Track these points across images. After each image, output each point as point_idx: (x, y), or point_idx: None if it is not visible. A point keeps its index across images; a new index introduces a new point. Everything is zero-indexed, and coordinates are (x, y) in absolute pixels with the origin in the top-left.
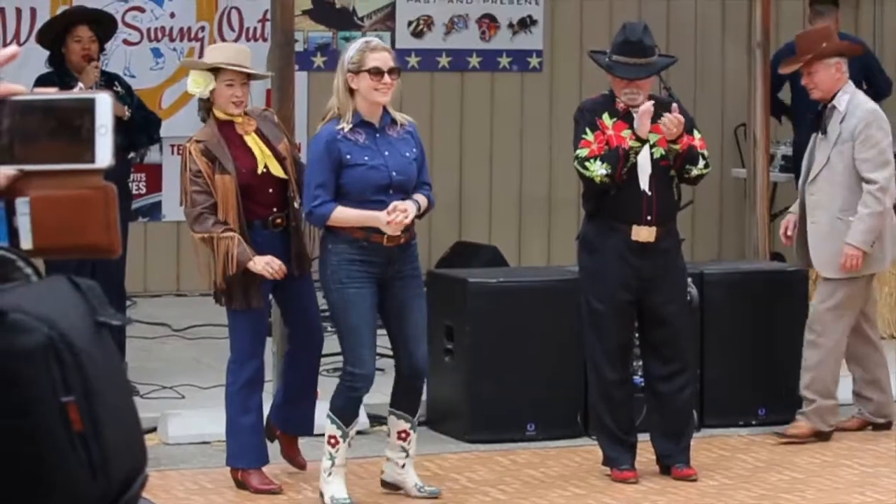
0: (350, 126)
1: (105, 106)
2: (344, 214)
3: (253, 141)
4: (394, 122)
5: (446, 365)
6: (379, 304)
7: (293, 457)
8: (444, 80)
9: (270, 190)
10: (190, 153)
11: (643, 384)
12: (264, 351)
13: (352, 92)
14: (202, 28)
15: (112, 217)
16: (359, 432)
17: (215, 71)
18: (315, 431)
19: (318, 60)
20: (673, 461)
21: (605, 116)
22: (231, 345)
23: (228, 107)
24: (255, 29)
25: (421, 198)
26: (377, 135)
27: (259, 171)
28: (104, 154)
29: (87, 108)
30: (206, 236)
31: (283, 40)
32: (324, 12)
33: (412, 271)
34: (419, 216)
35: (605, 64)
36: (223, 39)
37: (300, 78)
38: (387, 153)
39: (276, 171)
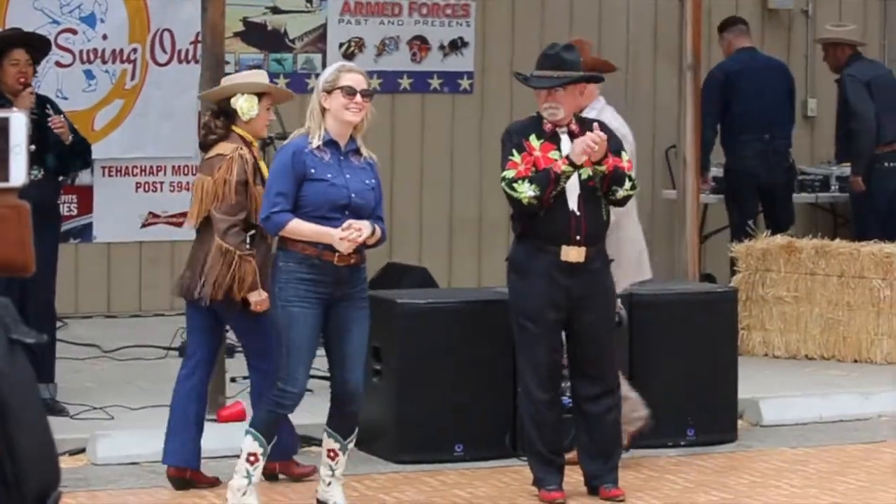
0: (319, 143)
1: (19, 125)
2: (299, 227)
3: (263, 165)
4: (358, 152)
5: (374, 385)
6: (323, 325)
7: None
8: (375, 102)
9: None
10: (246, 161)
11: (571, 405)
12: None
13: (324, 112)
14: (134, 50)
15: (26, 235)
16: None
17: (256, 95)
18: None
19: None
20: (601, 482)
21: (532, 138)
22: (261, 348)
23: (264, 130)
24: (187, 51)
25: (376, 227)
26: (341, 157)
27: None
28: (18, 173)
29: (2, 127)
30: (231, 250)
31: (214, 62)
32: (255, 34)
33: (359, 293)
34: (370, 246)
35: (523, 78)
36: (155, 62)
37: None
38: (348, 175)
39: None
